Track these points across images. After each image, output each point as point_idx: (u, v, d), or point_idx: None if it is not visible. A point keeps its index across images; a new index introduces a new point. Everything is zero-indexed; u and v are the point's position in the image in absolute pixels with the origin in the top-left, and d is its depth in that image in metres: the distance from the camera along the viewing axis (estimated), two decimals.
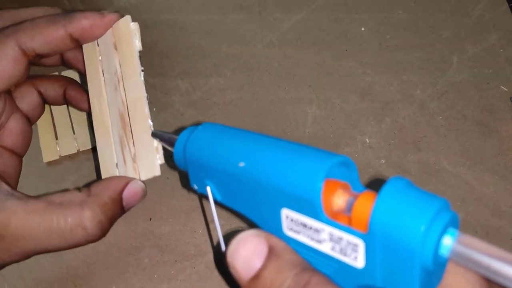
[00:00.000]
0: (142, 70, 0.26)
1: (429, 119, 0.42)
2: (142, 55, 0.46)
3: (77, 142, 0.40)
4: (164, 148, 0.27)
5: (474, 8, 0.48)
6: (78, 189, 0.26)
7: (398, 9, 0.48)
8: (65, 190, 0.26)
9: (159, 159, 0.26)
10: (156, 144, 0.26)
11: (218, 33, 0.47)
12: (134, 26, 0.26)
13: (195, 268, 0.35)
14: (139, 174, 0.26)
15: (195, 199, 0.38)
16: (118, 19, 0.27)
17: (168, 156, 0.27)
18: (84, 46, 0.29)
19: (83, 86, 0.34)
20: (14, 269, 0.35)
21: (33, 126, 0.41)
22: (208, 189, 0.23)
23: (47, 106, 0.41)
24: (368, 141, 0.41)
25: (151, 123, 0.26)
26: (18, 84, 0.29)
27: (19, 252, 0.25)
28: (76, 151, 0.40)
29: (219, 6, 0.48)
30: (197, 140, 0.24)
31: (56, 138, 0.40)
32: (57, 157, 0.39)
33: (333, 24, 0.47)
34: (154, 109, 0.27)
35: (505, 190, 0.38)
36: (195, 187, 0.25)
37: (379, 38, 0.46)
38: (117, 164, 0.27)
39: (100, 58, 0.28)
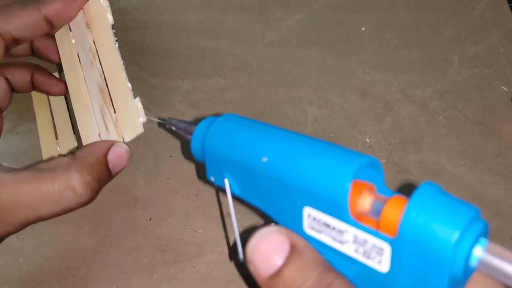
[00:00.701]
0: (116, 40, 0.27)
1: (429, 119, 0.42)
2: (143, 55, 0.46)
3: (77, 142, 0.40)
4: (178, 136, 0.27)
5: (475, 8, 0.48)
6: (64, 155, 0.26)
7: (399, 9, 0.48)
8: (50, 159, 0.26)
9: (141, 117, 0.26)
10: (137, 103, 0.27)
11: (219, 33, 0.47)
12: (105, 3, 0.27)
13: (195, 268, 0.35)
14: (122, 138, 0.27)
15: (195, 199, 0.38)
16: (88, 0, 0.28)
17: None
18: (56, 34, 0.29)
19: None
20: (14, 270, 0.35)
21: (32, 126, 0.41)
22: (226, 181, 0.23)
23: (47, 107, 0.41)
24: (368, 141, 0.41)
25: (130, 85, 0.27)
26: None
27: (13, 222, 0.25)
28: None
29: (220, 6, 0.48)
30: (217, 132, 0.23)
31: (56, 138, 0.40)
32: None
33: (334, 24, 0.47)
34: (124, 63, 0.27)
35: (505, 190, 0.38)
36: (212, 179, 0.24)
37: (379, 37, 0.46)
38: (99, 134, 0.27)
39: (73, 41, 0.29)
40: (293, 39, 0.46)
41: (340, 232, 0.19)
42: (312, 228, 0.20)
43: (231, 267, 0.35)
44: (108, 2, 0.27)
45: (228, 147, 0.23)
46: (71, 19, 0.28)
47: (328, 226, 0.19)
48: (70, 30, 0.29)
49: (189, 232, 0.37)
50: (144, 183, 0.38)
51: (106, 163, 0.26)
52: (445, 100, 0.43)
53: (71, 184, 0.24)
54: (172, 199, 0.38)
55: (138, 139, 0.38)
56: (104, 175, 0.26)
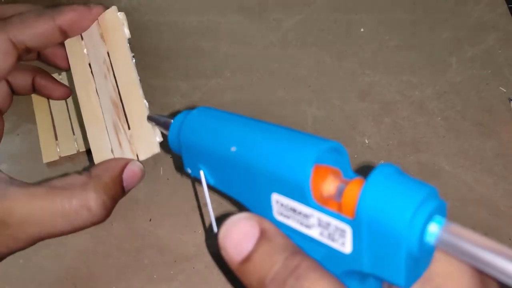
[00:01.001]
0: (133, 56, 0.26)
1: (428, 119, 0.42)
2: (143, 56, 0.46)
3: (77, 143, 0.40)
4: (162, 132, 0.27)
5: (473, 9, 0.48)
6: (78, 172, 0.26)
7: (398, 10, 0.48)
8: (65, 176, 0.26)
9: (157, 136, 0.26)
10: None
11: (218, 34, 0.47)
12: (122, 16, 0.27)
13: (195, 268, 0.35)
14: (137, 155, 0.26)
15: (195, 199, 0.38)
16: (104, 11, 0.27)
17: (165, 142, 0.27)
18: (66, 41, 0.29)
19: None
20: (15, 271, 0.35)
21: (32, 127, 0.41)
22: (201, 173, 0.23)
23: (47, 108, 0.41)
24: (367, 142, 0.41)
25: (147, 104, 0.26)
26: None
27: (24, 238, 0.25)
28: (76, 152, 0.40)
29: (219, 7, 0.48)
30: (191, 124, 0.24)
31: (56, 139, 0.40)
32: (57, 158, 0.39)
33: (333, 25, 0.47)
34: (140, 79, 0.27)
35: (504, 191, 0.38)
36: (189, 170, 0.24)
37: (378, 38, 0.46)
38: (112, 150, 0.27)
39: (85, 51, 0.28)
40: (293, 40, 0.46)
41: (306, 216, 0.20)
42: (281, 214, 0.21)
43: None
44: (125, 16, 0.27)
45: (201, 139, 0.23)
46: (86, 29, 0.28)
47: (294, 211, 0.20)
48: (82, 38, 0.28)
49: (189, 232, 0.37)
50: (144, 183, 0.38)
51: (121, 181, 0.26)
52: (444, 101, 0.43)
53: (88, 203, 0.24)
54: (172, 199, 0.38)
55: None
56: (118, 194, 0.26)
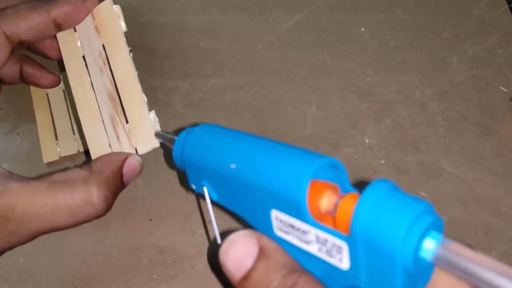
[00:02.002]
0: (130, 50, 0.26)
1: (428, 119, 0.42)
2: (143, 56, 0.46)
3: (77, 143, 0.40)
4: (166, 146, 0.27)
5: (474, 9, 0.48)
6: (79, 167, 0.26)
7: (398, 10, 0.48)
8: (66, 170, 0.26)
9: (157, 130, 0.26)
10: (152, 116, 0.27)
11: (218, 34, 0.47)
12: (117, 9, 0.26)
13: (195, 268, 0.35)
14: (135, 149, 0.26)
15: (194, 200, 0.38)
16: (98, 4, 0.27)
17: (170, 156, 0.27)
18: (59, 34, 0.28)
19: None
20: (14, 270, 0.35)
21: (32, 126, 0.41)
22: (205, 189, 0.24)
23: (47, 107, 0.41)
24: (367, 142, 0.41)
25: (145, 98, 0.26)
26: None
27: (26, 233, 0.25)
28: (76, 152, 0.40)
29: (219, 7, 0.48)
30: (194, 141, 0.24)
31: (56, 139, 0.40)
32: (57, 158, 0.39)
33: (333, 25, 0.47)
34: (138, 74, 0.27)
35: (504, 191, 0.38)
36: (193, 186, 0.25)
37: (379, 38, 0.46)
38: (109, 144, 0.26)
39: (79, 44, 0.27)
40: (293, 40, 0.46)
41: (304, 232, 0.20)
42: (281, 230, 0.21)
43: None
44: (121, 9, 0.26)
45: (204, 156, 0.23)
46: (80, 22, 0.28)
47: (293, 227, 0.20)
48: (75, 31, 0.28)
49: (189, 232, 0.37)
50: (143, 183, 0.38)
51: (121, 175, 0.26)
52: (444, 101, 0.43)
53: (91, 198, 0.24)
54: (172, 199, 0.38)
55: None
56: (119, 187, 0.26)
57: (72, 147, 0.40)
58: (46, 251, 0.36)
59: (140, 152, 0.26)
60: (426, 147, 0.40)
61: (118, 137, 0.26)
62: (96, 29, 0.27)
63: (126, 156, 0.26)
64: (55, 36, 0.29)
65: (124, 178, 0.27)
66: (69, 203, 0.24)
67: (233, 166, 0.22)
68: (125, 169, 0.26)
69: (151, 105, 0.29)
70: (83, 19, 0.27)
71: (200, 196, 0.35)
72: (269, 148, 0.22)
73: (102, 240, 0.36)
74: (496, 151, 0.40)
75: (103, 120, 0.27)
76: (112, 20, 0.26)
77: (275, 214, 0.21)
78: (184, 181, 0.39)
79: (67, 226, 0.25)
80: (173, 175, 0.39)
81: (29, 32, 0.27)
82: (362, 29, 0.47)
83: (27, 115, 0.41)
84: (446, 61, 0.45)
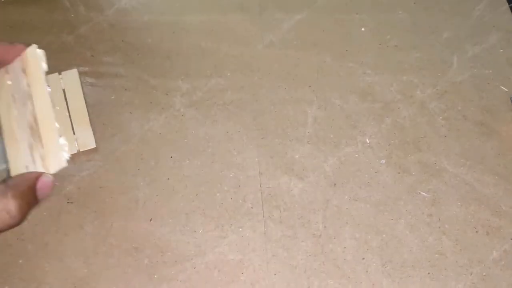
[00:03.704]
0: (48, 86, 0.31)
1: (429, 119, 0.42)
2: (143, 56, 0.46)
3: (77, 142, 0.40)
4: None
5: (474, 9, 0.48)
6: None
7: (398, 10, 0.48)
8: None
9: (65, 152, 0.31)
10: (62, 141, 0.31)
11: (219, 34, 0.47)
12: (41, 53, 0.31)
13: (195, 268, 0.35)
14: (48, 169, 0.31)
15: (195, 200, 0.38)
16: (26, 48, 0.31)
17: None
18: None
19: None
20: (15, 271, 0.35)
21: None
22: None
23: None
24: (368, 141, 0.41)
25: (57, 125, 0.31)
26: None
27: None
28: (76, 151, 0.40)
29: (220, 7, 0.48)
30: None
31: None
32: None
33: (334, 25, 0.47)
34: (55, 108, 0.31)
35: (505, 190, 0.38)
36: None
37: (379, 38, 0.46)
38: (26, 166, 0.31)
39: (9, 82, 0.32)
40: (293, 40, 0.46)
41: None
42: None
43: (231, 267, 0.35)
44: (44, 52, 0.31)
45: None
46: (10, 62, 0.32)
47: None
48: (7, 72, 0.32)
49: (189, 232, 0.37)
50: (144, 183, 0.38)
51: (35, 190, 0.30)
52: (445, 101, 0.43)
53: (8, 207, 0.28)
54: (172, 199, 0.38)
55: (139, 140, 0.38)
56: (33, 200, 0.30)
57: (72, 146, 0.39)
58: (46, 251, 0.36)
59: (51, 171, 0.31)
60: (426, 147, 0.40)
61: (34, 160, 0.31)
62: (23, 70, 0.32)
63: (39, 174, 0.30)
64: None
65: (38, 193, 0.30)
66: None
67: None
68: (39, 185, 0.30)
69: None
70: (12, 60, 0.32)
71: None
72: None
73: (103, 240, 0.36)
74: (496, 150, 0.40)
75: (22, 147, 0.32)
76: (35, 63, 0.31)
77: None
78: (178, 166, 0.39)
79: None
80: (173, 176, 0.39)
81: None
82: (362, 29, 0.47)
83: None
84: (447, 61, 0.45)
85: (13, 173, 0.31)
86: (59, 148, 0.31)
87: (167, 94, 0.43)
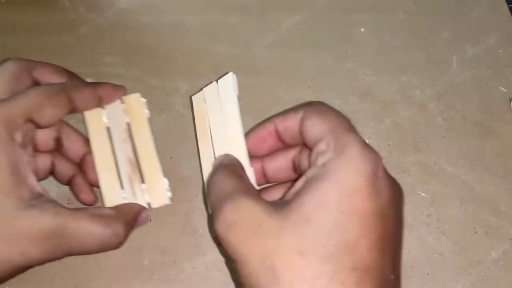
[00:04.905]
0: (151, 131, 0.34)
1: (428, 119, 0.42)
2: (143, 56, 0.46)
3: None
4: None
5: (474, 9, 0.48)
6: (108, 208, 0.32)
7: (398, 10, 0.48)
8: (97, 207, 0.32)
9: (169, 192, 0.34)
10: (165, 181, 0.34)
11: (218, 34, 0.47)
12: (143, 100, 0.35)
13: (195, 269, 0.35)
14: (148, 204, 0.33)
15: (195, 200, 0.38)
16: (127, 93, 0.35)
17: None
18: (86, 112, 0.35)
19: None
20: None
21: None
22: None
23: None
24: (367, 141, 0.41)
25: (160, 166, 0.34)
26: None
27: (64, 250, 0.29)
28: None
29: (219, 7, 0.48)
30: None
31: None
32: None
33: (333, 25, 0.47)
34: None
35: (504, 191, 0.38)
36: None
37: (378, 39, 0.46)
38: (125, 198, 0.33)
39: (105, 119, 0.34)
40: (293, 40, 0.46)
41: None
42: None
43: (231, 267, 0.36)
44: (145, 100, 0.35)
45: None
46: (109, 103, 0.35)
47: None
48: (103, 108, 0.35)
49: (189, 232, 0.37)
50: None
51: (136, 220, 0.33)
52: (444, 101, 0.43)
53: (119, 232, 0.30)
54: (172, 199, 0.38)
55: None
56: (132, 228, 0.32)
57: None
58: None
59: (154, 206, 0.33)
60: (426, 147, 0.40)
61: (134, 193, 0.33)
62: (124, 110, 0.35)
63: (143, 207, 0.33)
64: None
65: (137, 224, 0.33)
66: (103, 233, 0.29)
67: None
68: (140, 217, 0.33)
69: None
70: (113, 101, 0.35)
71: None
72: None
73: None
74: (496, 151, 0.40)
75: (119, 177, 0.34)
76: (139, 108, 0.35)
77: None
78: (177, 166, 0.39)
79: (93, 251, 0.30)
80: (173, 176, 0.39)
81: (82, 102, 0.33)
82: (362, 29, 0.47)
83: None
84: (446, 61, 0.45)
85: (108, 202, 0.33)
86: (163, 187, 0.34)
87: (167, 95, 0.43)
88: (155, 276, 0.35)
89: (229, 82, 0.33)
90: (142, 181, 0.34)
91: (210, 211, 0.26)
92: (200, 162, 0.33)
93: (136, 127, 0.35)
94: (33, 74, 0.33)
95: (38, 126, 0.31)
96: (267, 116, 0.42)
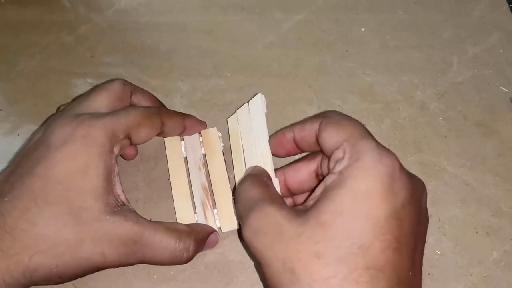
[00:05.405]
0: (225, 161, 0.38)
1: (429, 119, 0.42)
2: (143, 56, 0.46)
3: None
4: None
5: (474, 9, 0.48)
6: (181, 224, 0.34)
7: (398, 10, 0.48)
8: (172, 222, 0.33)
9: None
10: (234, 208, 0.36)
11: (218, 34, 0.47)
12: (219, 134, 0.39)
13: (195, 269, 0.35)
14: (219, 228, 0.36)
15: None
16: (206, 126, 0.39)
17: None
18: (167, 138, 0.38)
19: None
20: None
21: (33, 127, 0.41)
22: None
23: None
24: None
25: (231, 195, 0.36)
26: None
27: (138, 258, 0.30)
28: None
29: (219, 7, 0.48)
30: None
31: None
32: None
33: (333, 25, 0.47)
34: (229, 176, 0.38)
35: (505, 191, 0.38)
36: None
37: (379, 38, 0.46)
38: (196, 220, 0.36)
39: (182, 148, 0.38)
40: (293, 40, 0.46)
41: None
42: None
43: (231, 267, 0.35)
44: (221, 134, 0.39)
45: None
46: (190, 134, 0.38)
47: None
48: (182, 139, 0.39)
49: None
50: (144, 184, 0.38)
51: (206, 241, 0.34)
52: (445, 101, 0.43)
53: (188, 247, 0.32)
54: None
55: None
56: (202, 247, 0.34)
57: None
58: None
59: (224, 230, 0.36)
60: (426, 147, 0.40)
61: (206, 217, 0.36)
62: (201, 142, 0.38)
63: (213, 230, 0.35)
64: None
65: (206, 245, 0.34)
66: (175, 246, 0.31)
67: None
68: (209, 239, 0.34)
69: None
70: (194, 133, 0.38)
71: None
72: None
73: None
74: (497, 151, 0.40)
75: (192, 201, 0.37)
76: (215, 141, 0.38)
77: None
78: None
79: (163, 262, 0.31)
80: None
81: (172, 128, 0.36)
82: (362, 29, 0.47)
83: (28, 116, 0.41)
84: (447, 61, 0.45)
85: (179, 219, 0.36)
86: (233, 213, 0.36)
87: (167, 95, 0.43)
88: (155, 276, 0.35)
89: (258, 102, 0.36)
90: (214, 206, 0.36)
91: (237, 219, 0.28)
92: (231, 174, 0.38)
93: (211, 158, 0.38)
94: (132, 97, 0.35)
95: (131, 143, 0.33)
96: (267, 116, 0.42)
